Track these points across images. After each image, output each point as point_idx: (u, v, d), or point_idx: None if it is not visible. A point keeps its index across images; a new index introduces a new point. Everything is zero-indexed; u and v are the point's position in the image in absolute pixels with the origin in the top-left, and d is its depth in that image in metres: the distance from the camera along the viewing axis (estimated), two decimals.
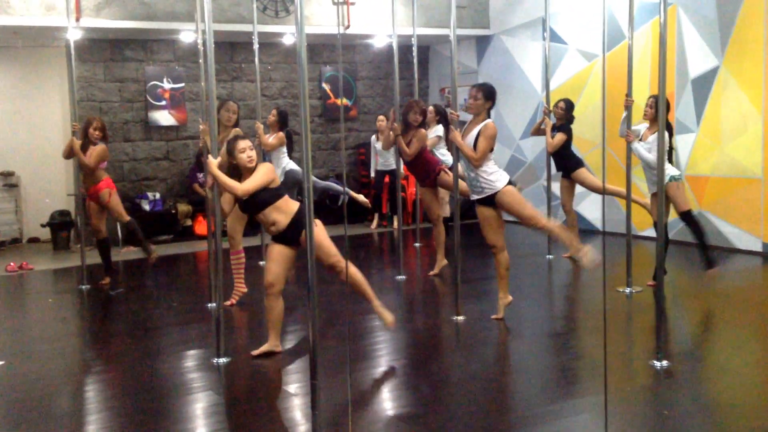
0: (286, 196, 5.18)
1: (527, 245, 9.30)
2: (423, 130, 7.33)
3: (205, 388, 4.77)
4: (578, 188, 8.32)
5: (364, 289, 5.19)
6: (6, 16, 8.60)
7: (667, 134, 6.47)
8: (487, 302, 6.43)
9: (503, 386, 4.87)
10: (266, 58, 11.15)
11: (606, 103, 8.50)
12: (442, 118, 8.06)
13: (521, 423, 4.11)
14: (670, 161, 6.67)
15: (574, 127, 8.17)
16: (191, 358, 5.40)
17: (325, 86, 11.97)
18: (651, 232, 7.69)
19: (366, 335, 5.61)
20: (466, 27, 11.12)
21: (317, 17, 10.25)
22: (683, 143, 8.76)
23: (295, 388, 4.69)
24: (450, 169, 6.98)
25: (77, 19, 8.62)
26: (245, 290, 6.80)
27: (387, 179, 10.82)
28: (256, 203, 5.05)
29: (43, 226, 10.27)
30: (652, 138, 6.52)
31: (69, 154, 7.52)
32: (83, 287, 7.70)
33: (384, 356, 5.26)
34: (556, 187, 9.12)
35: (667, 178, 6.30)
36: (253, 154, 5.08)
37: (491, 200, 5.74)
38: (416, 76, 8.48)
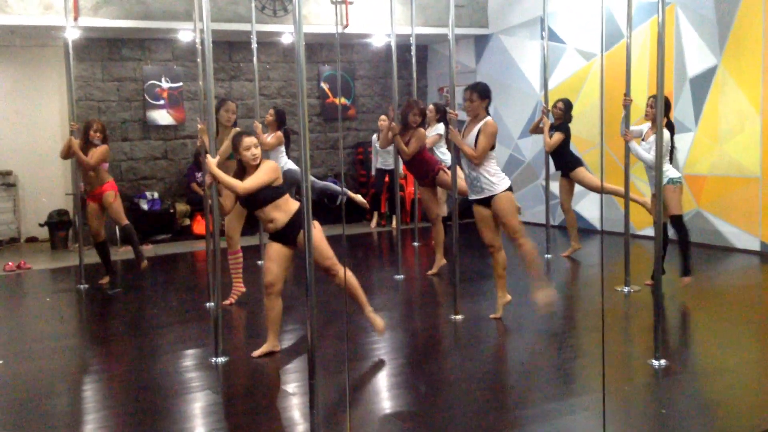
0: (287, 195, 5.18)
1: None
2: (422, 130, 7.33)
3: (204, 387, 4.77)
4: (577, 187, 8.32)
5: (357, 293, 5.20)
6: (4, 16, 8.59)
7: (668, 133, 6.47)
8: (486, 301, 6.43)
9: (501, 385, 4.87)
10: (264, 57, 11.14)
11: (604, 103, 8.47)
12: (443, 116, 8.06)
13: (519, 422, 4.11)
14: (671, 161, 6.65)
15: (572, 126, 8.18)
16: (189, 358, 5.39)
17: (324, 85, 11.97)
18: (649, 231, 7.70)
19: (364, 335, 5.60)
20: (464, 26, 11.11)
21: (315, 16, 10.24)
22: (681, 142, 8.75)
23: (293, 387, 4.69)
24: (449, 168, 6.98)
25: (75, 19, 8.61)
26: (243, 290, 6.80)
27: (387, 178, 10.82)
28: (257, 200, 5.05)
29: (41, 225, 10.26)
30: (653, 138, 6.52)
31: (67, 153, 7.51)
32: (81, 287, 7.70)
33: (382, 356, 5.25)
34: (554, 187, 9.13)
35: (665, 180, 6.28)
36: (258, 152, 5.07)
37: (489, 201, 5.75)
38: (415, 75, 8.49)
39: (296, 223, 5.02)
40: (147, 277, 7.75)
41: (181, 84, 10.85)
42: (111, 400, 4.71)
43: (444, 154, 7.92)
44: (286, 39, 10.84)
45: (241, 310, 6.66)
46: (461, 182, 6.66)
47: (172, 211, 10.72)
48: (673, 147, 6.63)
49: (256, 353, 5.22)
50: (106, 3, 9.11)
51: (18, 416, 4.38)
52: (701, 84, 8.66)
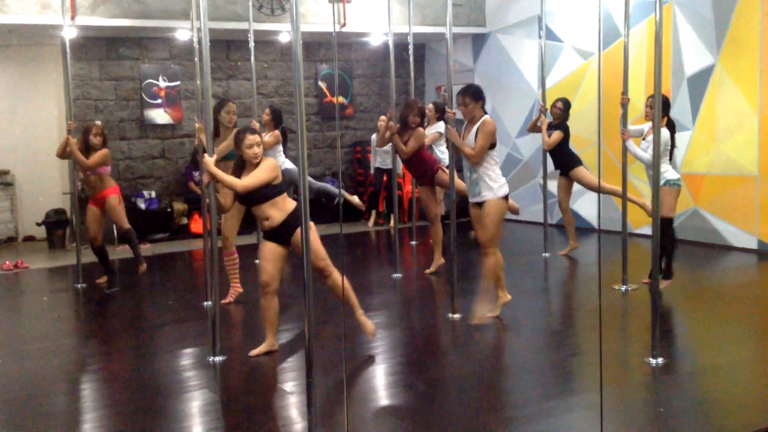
0: (285, 194, 5.18)
1: (523, 243, 9.32)
2: (421, 129, 7.33)
3: (201, 386, 4.76)
4: (575, 186, 8.32)
5: (349, 295, 5.19)
6: (1, 15, 8.57)
7: (668, 133, 6.44)
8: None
9: (499, 383, 4.88)
10: (262, 56, 11.14)
11: (602, 101, 8.50)
12: (443, 115, 8.05)
13: (517, 420, 4.12)
14: (671, 160, 6.61)
15: (570, 125, 8.17)
16: (187, 357, 5.39)
17: (321, 84, 11.96)
18: (647, 230, 7.70)
19: (361, 333, 5.59)
20: (462, 25, 11.11)
21: (313, 15, 10.24)
22: (679, 141, 8.73)
23: (290, 386, 4.69)
24: (448, 167, 6.97)
25: (72, 18, 8.61)
26: (241, 290, 6.80)
27: (385, 178, 10.83)
28: (255, 197, 5.04)
29: (38, 224, 10.25)
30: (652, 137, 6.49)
31: (63, 152, 7.50)
32: (79, 286, 7.69)
33: (380, 354, 5.26)
34: (551, 185, 9.13)
35: (662, 181, 6.23)
36: (260, 150, 5.05)
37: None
38: (412, 74, 8.48)
39: (292, 222, 5.02)
40: (144, 277, 7.74)
41: (178, 83, 10.85)
42: (108, 399, 4.71)
43: (443, 153, 7.91)
44: (284, 38, 10.83)
45: (238, 309, 6.66)
46: (460, 182, 6.66)
47: (169, 210, 10.72)
48: (673, 146, 6.58)
49: (254, 352, 5.21)
50: (103, 2, 9.09)
51: (15, 415, 4.38)
52: (699, 83, 8.66)
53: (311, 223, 4.61)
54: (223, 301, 6.54)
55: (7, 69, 10.56)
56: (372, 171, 11.17)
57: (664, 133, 6.35)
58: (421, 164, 7.40)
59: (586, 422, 4.03)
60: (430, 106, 8.19)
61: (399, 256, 7.91)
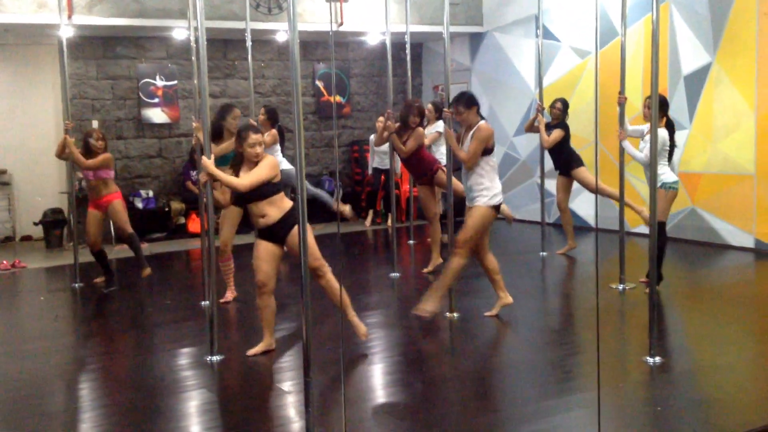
0: (282, 193, 5.17)
1: (520, 242, 9.32)
2: (420, 129, 7.33)
3: (199, 385, 4.76)
4: (573, 185, 8.31)
5: (342, 297, 5.18)
6: None
7: (666, 133, 6.41)
8: (481, 299, 6.43)
9: (496, 383, 4.88)
10: (259, 55, 11.14)
11: (599, 100, 8.52)
12: (441, 114, 8.05)
13: (515, 419, 4.12)
14: (670, 160, 6.59)
15: (567, 124, 8.17)
16: (185, 356, 5.39)
17: (319, 83, 11.96)
18: (644, 229, 7.71)
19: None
20: (459, 24, 11.11)
21: (310, 14, 10.23)
22: (677, 140, 8.75)
23: (288, 385, 4.69)
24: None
25: (69, 17, 8.59)
26: (236, 295, 6.81)
27: (383, 178, 10.83)
28: (253, 194, 5.01)
29: (35, 224, 10.24)
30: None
31: (62, 152, 7.50)
32: (76, 285, 7.68)
33: (377, 353, 5.26)
34: (549, 185, 9.13)
35: (659, 183, 6.19)
36: (261, 149, 5.04)
37: None
38: (409, 73, 8.49)
39: (288, 221, 5.02)
40: (142, 276, 7.73)
41: (175, 82, 10.84)
42: (106, 398, 4.70)
43: (443, 154, 7.92)
44: (281, 37, 10.82)
45: (236, 309, 6.66)
46: (458, 182, 6.66)
47: (167, 209, 10.71)
48: (673, 146, 6.54)
49: (251, 352, 5.21)
50: (100, 1, 9.08)
51: (13, 415, 4.38)
52: (695, 81, 8.67)
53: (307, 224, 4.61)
54: (221, 300, 6.55)
55: (3, 68, 10.55)
56: (370, 172, 11.17)
57: (662, 133, 6.30)
58: (420, 164, 7.40)
59: (584, 421, 4.03)
60: (429, 106, 8.19)
61: (397, 256, 7.91)
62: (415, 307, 5.78)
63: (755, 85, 8.11)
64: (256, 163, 5.03)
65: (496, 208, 5.73)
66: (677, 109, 8.76)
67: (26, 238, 10.76)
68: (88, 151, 7.33)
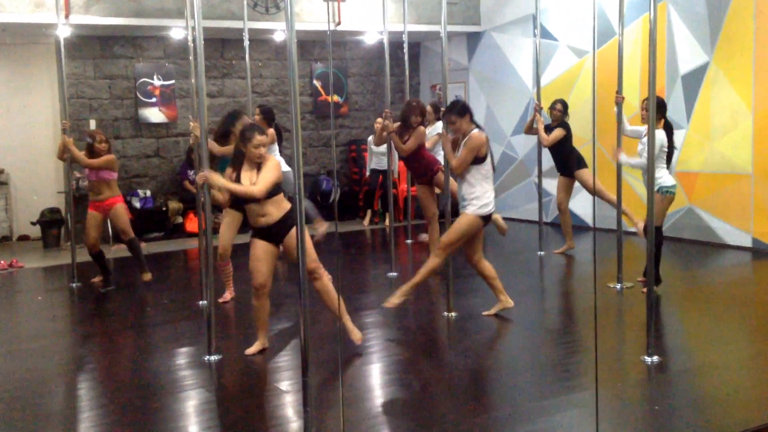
0: (282, 194, 5.15)
1: (518, 242, 9.32)
2: (422, 128, 7.32)
3: (197, 385, 4.76)
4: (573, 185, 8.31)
5: (336, 301, 5.18)
6: None
7: (665, 135, 6.39)
8: (479, 298, 6.44)
9: (495, 382, 4.88)
10: (257, 54, 11.13)
11: (597, 99, 8.52)
12: (441, 115, 8.04)
13: (513, 418, 4.12)
14: (669, 163, 6.55)
15: None
16: (182, 356, 5.39)
17: (316, 83, 11.95)
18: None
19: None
20: (456, 23, 11.12)
21: (308, 14, 10.23)
22: (674, 136, 8.77)
23: (286, 385, 4.69)
24: None
25: (66, 16, 8.58)
26: (234, 295, 6.80)
27: (381, 179, 10.83)
28: None
29: (33, 223, 10.23)
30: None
31: (63, 155, 7.51)
32: (73, 285, 7.68)
33: (375, 353, 5.26)
34: (546, 184, 9.13)
35: (656, 186, 6.16)
36: (265, 151, 5.02)
37: None
38: (407, 72, 8.48)
39: (287, 222, 5.01)
40: (139, 276, 7.73)
41: (173, 81, 10.83)
42: (104, 398, 4.70)
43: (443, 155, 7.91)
44: (279, 36, 10.82)
45: (234, 309, 6.65)
46: (456, 183, 6.66)
47: (164, 209, 10.70)
48: (672, 148, 6.53)
49: (250, 351, 5.22)
50: (97, 0, 9.07)
51: (11, 415, 4.37)
52: (693, 81, 8.68)
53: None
54: (219, 300, 6.55)
55: (1, 68, 10.53)
56: (368, 173, 11.16)
57: (660, 135, 6.28)
58: (420, 163, 7.39)
59: (582, 420, 4.03)
60: (428, 108, 8.18)
61: (394, 255, 7.91)
62: (385, 300, 5.90)
63: (752, 85, 8.12)
64: (258, 164, 5.00)
65: (485, 218, 5.72)
66: (675, 109, 8.77)
67: (23, 238, 10.75)
68: (92, 154, 7.31)
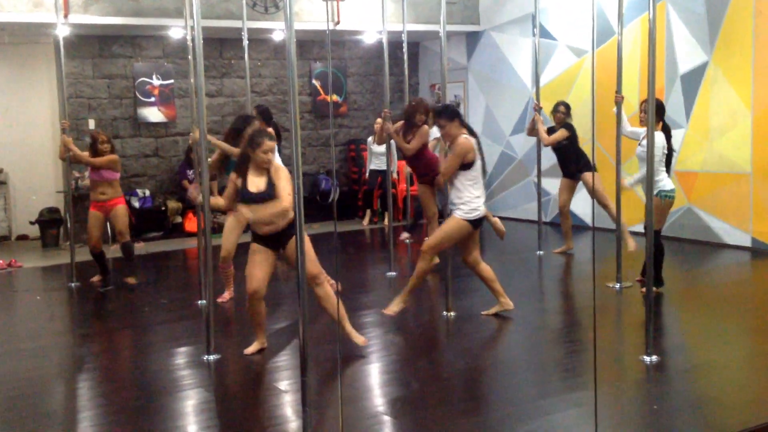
0: None
1: (517, 241, 9.32)
2: (425, 127, 7.31)
3: (196, 385, 4.76)
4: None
5: (337, 308, 5.16)
6: None
7: (664, 137, 6.37)
8: (478, 298, 6.44)
9: (493, 381, 4.88)
10: (256, 54, 11.12)
11: (596, 99, 8.51)
12: None
13: (512, 418, 4.12)
14: (669, 164, 6.55)
15: None
16: (181, 355, 5.38)
17: (315, 82, 11.95)
18: (640, 228, 7.71)
19: (356, 332, 5.59)
20: (455, 23, 11.11)
21: (307, 13, 10.23)
22: (673, 139, 8.76)
23: (285, 384, 4.69)
24: None
25: (65, 16, 8.58)
26: (233, 295, 6.80)
27: (380, 179, 10.82)
28: (265, 202, 4.94)
29: (32, 223, 10.22)
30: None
31: (64, 155, 7.51)
32: (72, 284, 7.68)
33: (374, 352, 5.26)
34: (545, 183, 9.13)
35: (655, 190, 6.13)
36: (273, 156, 5.00)
37: None
38: (406, 72, 8.48)
39: (290, 229, 4.95)
40: (138, 275, 7.73)
41: (172, 81, 10.82)
42: (103, 397, 4.69)
43: None
44: (278, 36, 10.81)
45: (233, 308, 6.65)
46: None
47: (163, 208, 10.70)
48: (671, 151, 6.51)
49: (249, 350, 5.22)
50: (96, 0, 9.07)
51: (9, 414, 4.37)
52: (692, 80, 8.68)
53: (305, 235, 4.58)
54: (218, 299, 6.54)
55: (0, 67, 10.53)
56: (367, 174, 11.16)
57: (659, 138, 6.26)
58: (423, 163, 7.39)
59: (581, 419, 4.03)
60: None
61: (393, 255, 7.91)
62: (385, 308, 5.95)
63: (751, 84, 8.12)
64: (265, 169, 4.97)
65: (474, 222, 5.68)
66: (674, 108, 8.77)
67: (22, 237, 10.74)
68: (95, 155, 7.31)
